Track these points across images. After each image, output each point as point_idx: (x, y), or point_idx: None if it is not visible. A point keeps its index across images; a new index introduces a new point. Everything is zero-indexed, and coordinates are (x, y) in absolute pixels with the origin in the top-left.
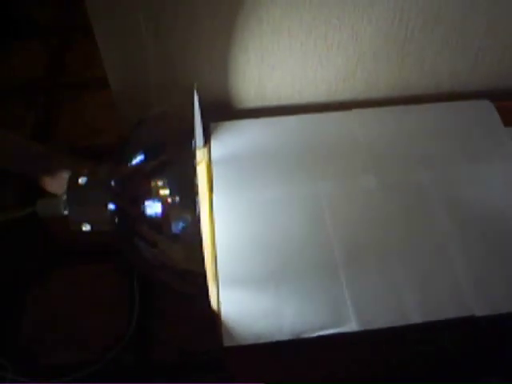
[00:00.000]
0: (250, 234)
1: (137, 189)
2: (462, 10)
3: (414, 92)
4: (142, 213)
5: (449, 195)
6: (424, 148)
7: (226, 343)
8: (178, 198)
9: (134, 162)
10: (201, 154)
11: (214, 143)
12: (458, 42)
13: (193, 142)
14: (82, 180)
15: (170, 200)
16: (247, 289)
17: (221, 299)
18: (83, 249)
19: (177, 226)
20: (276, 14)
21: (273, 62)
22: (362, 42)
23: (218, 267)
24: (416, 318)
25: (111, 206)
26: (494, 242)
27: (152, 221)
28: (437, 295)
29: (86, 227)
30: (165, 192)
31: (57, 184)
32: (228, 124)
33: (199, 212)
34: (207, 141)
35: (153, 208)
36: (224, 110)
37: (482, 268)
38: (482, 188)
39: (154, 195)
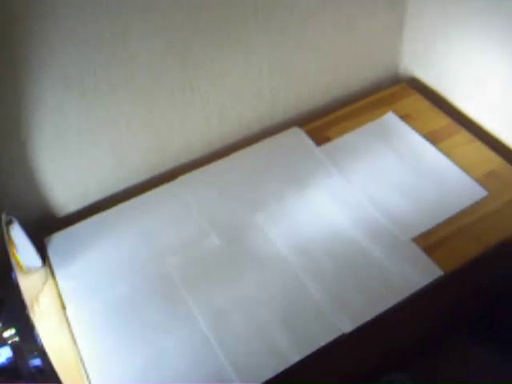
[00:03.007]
0: (114, 337)
1: None
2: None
3: (232, 140)
4: None
5: (288, 229)
6: (253, 191)
7: None
8: (18, 338)
9: None
10: (43, 274)
11: (54, 257)
12: (251, 86)
13: (12, 274)
14: None
15: (13, 341)
16: None
17: None
18: None
19: (28, 366)
20: (81, 111)
21: (84, 162)
22: (159, 116)
23: (91, 383)
24: (294, 356)
25: None
26: (341, 258)
27: (5, 369)
28: (305, 327)
29: None
30: (6, 335)
31: None
32: (64, 233)
33: (42, 343)
34: (45, 258)
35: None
36: (57, 220)
37: (337, 287)
38: (317, 211)
39: None
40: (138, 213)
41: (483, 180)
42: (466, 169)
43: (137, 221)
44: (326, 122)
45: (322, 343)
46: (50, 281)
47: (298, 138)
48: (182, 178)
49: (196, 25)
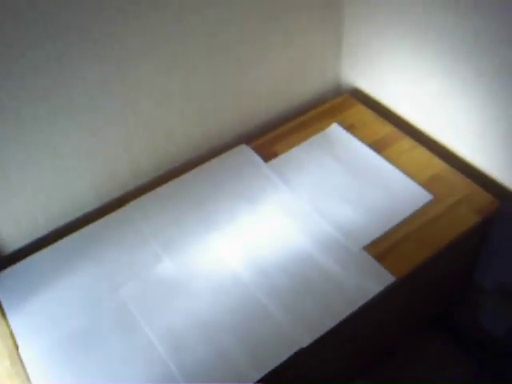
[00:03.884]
0: (71, 373)
1: None
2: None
3: (180, 162)
4: None
5: (241, 248)
6: (205, 212)
7: None
8: None
9: None
10: None
11: (3, 296)
12: (194, 107)
13: None
14: None
15: None
16: None
17: None
18: None
19: None
20: (21, 144)
21: (29, 195)
22: (103, 142)
23: None
24: (254, 374)
25: None
26: (295, 272)
27: None
28: (263, 345)
29: None
30: None
31: None
32: (12, 270)
33: None
34: None
35: None
36: (5, 257)
37: (293, 302)
38: (269, 227)
39: None
40: (89, 243)
41: (428, 184)
42: (411, 174)
43: (88, 251)
44: (272, 137)
45: (282, 359)
46: (1, 321)
47: (245, 155)
48: (131, 204)
49: (132, 48)
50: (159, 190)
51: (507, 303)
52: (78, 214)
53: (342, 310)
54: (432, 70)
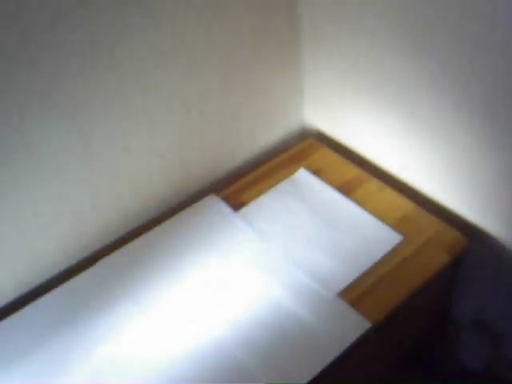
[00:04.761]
0: None
1: None
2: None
3: (148, 217)
4: None
5: (214, 301)
6: (176, 265)
7: None
8: None
9: None
10: None
11: None
12: (159, 160)
13: None
14: None
15: None
16: None
17: None
18: None
19: None
20: None
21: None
22: (67, 202)
23: None
24: None
25: None
26: (270, 324)
27: None
28: None
29: None
30: None
31: None
32: None
33: None
34: None
35: None
36: None
37: (269, 355)
38: (241, 278)
39: None
40: (59, 306)
41: (397, 225)
42: (380, 216)
43: (59, 315)
44: (241, 185)
45: None
46: None
47: (214, 205)
48: (100, 262)
49: (93, 108)
50: (128, 246)
51: (484, 337)
52: (46, 276)
53: (319, 361)
54: (393, 110)
